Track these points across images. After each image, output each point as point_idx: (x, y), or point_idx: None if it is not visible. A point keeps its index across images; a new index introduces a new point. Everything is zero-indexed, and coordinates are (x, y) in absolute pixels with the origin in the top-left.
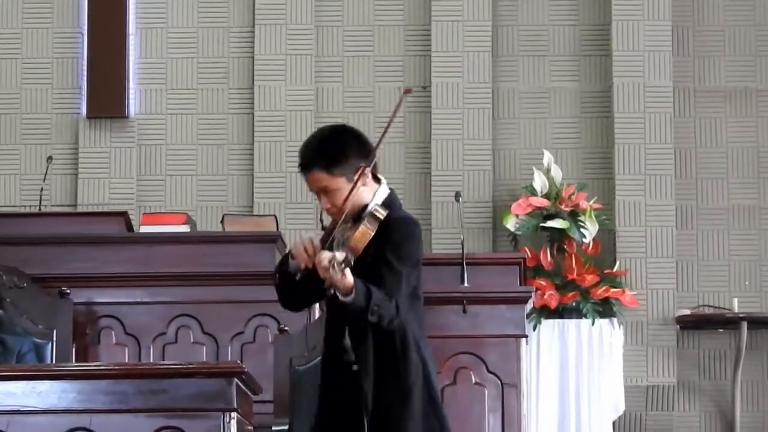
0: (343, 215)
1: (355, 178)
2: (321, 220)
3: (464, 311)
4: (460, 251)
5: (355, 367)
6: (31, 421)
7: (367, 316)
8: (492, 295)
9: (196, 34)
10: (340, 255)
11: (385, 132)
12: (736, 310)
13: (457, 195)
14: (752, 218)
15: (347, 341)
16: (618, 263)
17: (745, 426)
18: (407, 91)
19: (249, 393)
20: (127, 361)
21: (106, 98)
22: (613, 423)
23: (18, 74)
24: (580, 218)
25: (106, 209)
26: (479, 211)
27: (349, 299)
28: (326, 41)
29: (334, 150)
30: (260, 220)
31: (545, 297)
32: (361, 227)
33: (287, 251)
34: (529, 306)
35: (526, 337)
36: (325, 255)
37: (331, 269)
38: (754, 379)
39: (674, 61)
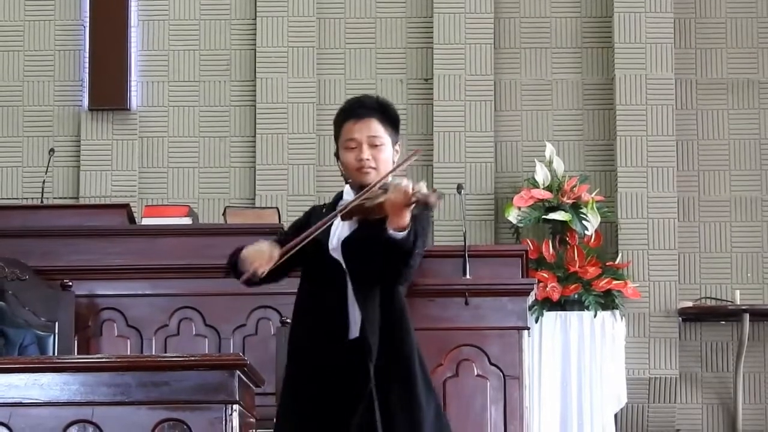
0: (381, 181)
1: (397, 150)
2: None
3: (466, 303)
4: (462, 243)
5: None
6: (33, 413)
7: (412, 257)
8: (494, 287)
9: (198, 26)
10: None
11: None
12: (738, 302)
13: (459, 187)
14: (754, 210)
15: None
16: (620, 255)
17: (748, 418)
18: (416, 152)
19: (251, 385)
20: (129, 353)
21: (108, 90)
22: (615, 415)
23: (20, 66)
24: (582, 210)
25: (108, 201)
26: (481, 203)
27: (402, 235)
28: (328, 33)
29: (394, 112)
30: (262, 212)
31: (547, 289)
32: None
33: (236, 255)
34: (531, 298)
35: (528, 329)
36: (405, 181)
37: (420, 187)
38: (757, 371)
39: (676, 53)
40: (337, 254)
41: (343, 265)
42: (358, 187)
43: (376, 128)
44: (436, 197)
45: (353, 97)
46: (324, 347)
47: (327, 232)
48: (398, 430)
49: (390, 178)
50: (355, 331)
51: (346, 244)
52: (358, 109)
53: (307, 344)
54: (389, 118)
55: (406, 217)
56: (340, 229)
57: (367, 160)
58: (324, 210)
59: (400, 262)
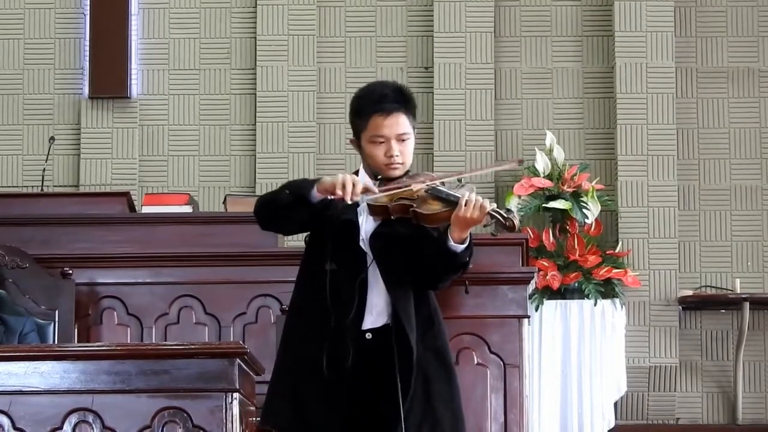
0: (406, 175)
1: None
2: None
3: (466, 292)
4: None
5: (368, 336)
6: (33, 401)
7: (465, 270)
8: (494, 275)
9: (199, 14)
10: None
11: None
12: (738, 291)
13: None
14: (754, 198)
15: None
16: (620, 244)
17: (747, 406)
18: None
19: (251, 373)
20: (129, 341)
21: (109, 78)
22: (615, 403)
23: (20, 54)
24: (582, 199)
25: (108, 190)
26: (481, 191)
27: (462, 248)
28: (328, 21)
29: (414, 101)
30: None
31: (547, 278)
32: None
33: (310, 181)
34: (531, 286)
35: (529, 317)
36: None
37: (495, 210)
38: (756, 360)
39: (676, 42)
40: (365, 246)
41: (370, 257)
42: (385, 178)
43: (404, 124)
44: (517, 220)
45: (374, 86)
46: (337, 336)
47: (357, 220)
48: (443, 421)
49: (438, 183)
50: (371, 322)
51: (375, 237)
52: (385, 103)
53: (315, 332)
54: (412, 108)
55: (468, 231)
56: (366, 222)
57: (397, 156)
58: None
59: (452, 273)
